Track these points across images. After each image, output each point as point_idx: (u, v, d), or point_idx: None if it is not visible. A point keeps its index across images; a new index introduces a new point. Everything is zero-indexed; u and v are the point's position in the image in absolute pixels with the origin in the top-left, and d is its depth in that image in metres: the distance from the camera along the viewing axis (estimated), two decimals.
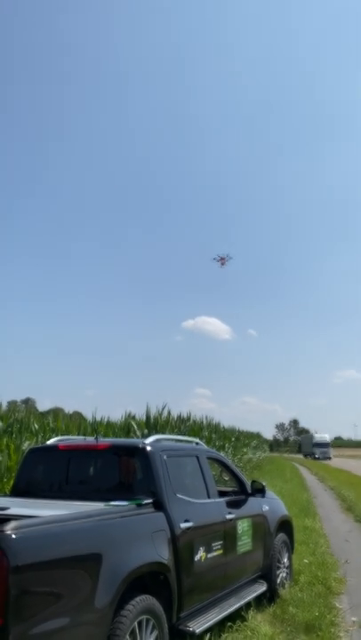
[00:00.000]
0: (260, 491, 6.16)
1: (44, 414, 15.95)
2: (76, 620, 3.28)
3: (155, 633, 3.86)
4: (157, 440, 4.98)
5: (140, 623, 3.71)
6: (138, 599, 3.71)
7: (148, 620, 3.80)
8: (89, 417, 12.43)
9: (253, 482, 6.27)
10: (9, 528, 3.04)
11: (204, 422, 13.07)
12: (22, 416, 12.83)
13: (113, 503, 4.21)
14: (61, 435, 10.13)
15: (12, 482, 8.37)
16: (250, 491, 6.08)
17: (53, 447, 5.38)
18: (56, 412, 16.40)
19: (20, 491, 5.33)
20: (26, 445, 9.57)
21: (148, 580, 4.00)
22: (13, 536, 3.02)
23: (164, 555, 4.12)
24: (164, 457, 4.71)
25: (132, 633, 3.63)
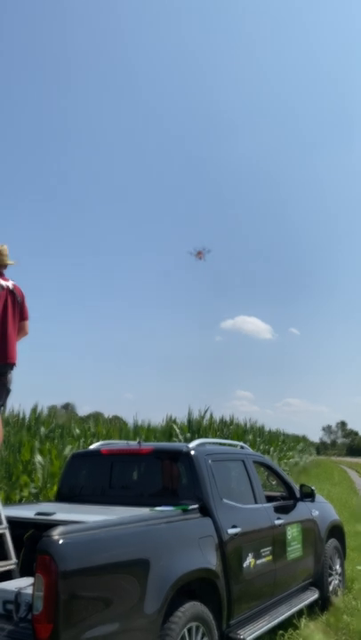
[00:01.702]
0: (309, 495, 5.98)
1: (83, 419, 16.10)
2: (126, 626, 3.22)
3: None
4: (201, 444, 4.89)
5: (189, 630, 3.62)
6: (187, 606, 3.62)
7: (197, 627, 3.71)
8: (128, 421, 12.44)
9: (302, 486, 6.09)
10: (56, 533, 3.01)
11: (247, 425, 12.90)
12: (63, 421, 12.98)
13: (158, 508, 4.13)
14: (102, 439, 10.18)
15: (55, 487, 8.46)
16: (298, 495, 5.91)
17: (96, 452, 5.36)
18: (96, 417, 16.53)
19: (63, 496, 5.33)
20: (68, 450, 9.65)
21: (196, 586, 3.91)
22: (61, 541, 2.99)
23: (212, 561, 4.01)
24: (209, 461, 4.62)
25: (182, 639, 3.54)
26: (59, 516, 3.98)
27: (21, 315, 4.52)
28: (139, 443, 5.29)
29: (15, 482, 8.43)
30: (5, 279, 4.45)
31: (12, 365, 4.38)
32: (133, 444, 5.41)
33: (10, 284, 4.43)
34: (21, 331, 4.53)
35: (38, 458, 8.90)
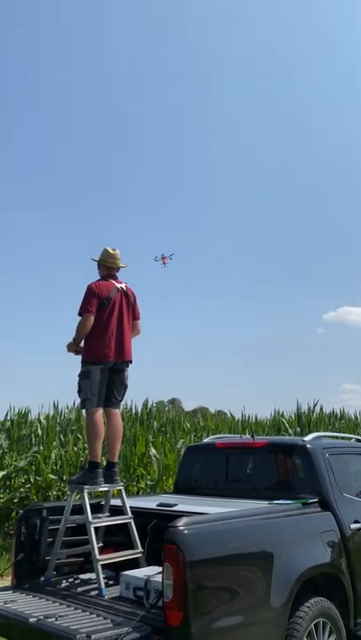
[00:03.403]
0: None
1: (190, 414, 16.42)
2: (253, 619, 3.26)
3: (333, 637, 3.70)
4: (317, 437, 4.80)
5: (316, 626, 3.58)
6: (313, 601, 3.58)
7: (324, 624, 3.65)
8: (231, 416, 12.47)
9: None
10: (181, 524, 3.11)
11: (359, 419, 12.43)
12: (173, 415, 13.32)
13: (277, 502, 4.12)
14: (212, 433, 10.31)
15: (170, 480, 8.71)
16: None
17: (211, 445, 5.44)
18: (202, 412, 16.77)
19: (180, 488, 5.48)
20: (180, 444, 9.89)
21: (319, 582, 3.85)
22: (186, 532, 3.08)
23: (335, 556, 3.93)
24: (327, 455, 4.52)
25: (310, 635, 3.51)
26: (180, 508, 4.10)
27: (134, 314, 4.71)
28: (252, 436, 5.31)
29: (132, 474, 8.80)
30: (119, 281, 4.65)
31: (128, 362, 4.58)
32: (247, 437, 5.43)
33: (123, 285, 4.63)
34: (134, 330, 4.72)
35: (153, 451, 9.22)
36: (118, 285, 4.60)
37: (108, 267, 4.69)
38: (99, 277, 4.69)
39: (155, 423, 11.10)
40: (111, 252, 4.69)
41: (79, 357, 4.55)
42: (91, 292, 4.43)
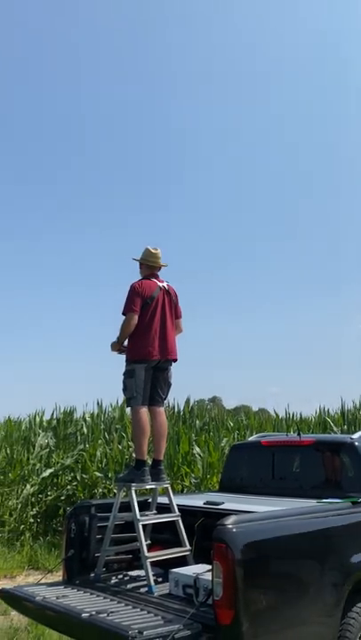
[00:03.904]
0: None
1: (232, 412, 16.34)
2: (304, 619, 3.22)
3: None
4: None
5: None
6: None
7: None
8: (273, 414, 12.33)
9: None
10: (230, 522, 3.09)
11: None
12: (215, 414, 13.28)
13: (326, 500, 4.05)
14: (256, 431, 10.22)
15: (214, 478, 8.69)
16: None
17: (256, 443, 5.41)
18: (245, 410, 16.65)
19: (225, 486, 5.46)
20: (224, 442, 9.85)
21: None
22: (234, 530, 3.07)
23: None
24: None
25: None
26: (227, 506, 4.09)
27: (176, 313, 4.72)
28: (298, 434, 5.24)
29: (176, 472, 8.82)
30: (160, 280, 4.67)
31: (172, 361, 4.59)
32: (293, 435, 5.37)
33: (165, 284, 4.65)
34: (177, 328, 4.73)
35: (196, 449, 9.22)
36: (160, 284, 4.61)
37: (149, 266, 4.72)
38: (140, 277, 4.72)
39: (197, 422, 11.10)
40: (152, 251, 4.72)
41: (122, 356, 4.59)
42: (134, 292, 4.46)
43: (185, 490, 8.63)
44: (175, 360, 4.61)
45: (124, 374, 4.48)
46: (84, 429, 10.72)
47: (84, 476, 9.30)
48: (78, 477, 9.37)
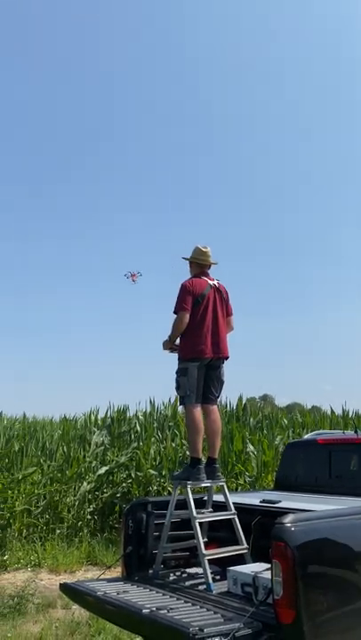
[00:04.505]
0: None
1: (284, 410, 16.13)
2: None
3: None
4: None
5: None
6: None
7: None
8: (332, 411, 12.07)
9: None
10: (288, 521, 3.06)
11: None
12: (268, 412, 13.16)
13: None
14: (310, 429, 10.06)
15: (269, 476, 8.62)
16: None
17: (312, 441, 5.33)
18: (298, 408, 16.40)
19: (281, 484, 5.40)
20: (278, 440, 9.75)
21: None
22: (293, 529, 3.03)
23: None
24: None
25: None
26: (284, 504, 4.04)
27: (227, 311, 4.71)
28: (356, 432, 5.12)
29: (231, 470, 8.80)
30: (211, 278, 4.67)
31: (225, 359, 4.58)
32: (350, 433, 5.25)
33: (215, 282, 4.64)
34: (228, 326, 4.71)
35: (250, 447, 9.17)
36: (211, 282, 4.61)
37: (199, 264, 4.72)
38: (190, 276, 4.73)
39: (250, 420, 11.03)
40: (203, 249, 4.72)
41: (173, 355, 4.61)
42: (185, 290, 4.47)
43: (239, 488, 8.59)
44: (227, 358, 4.60)
45: (177, 373, 4.50)
46: (138, 427, 10.86)
47: (139, 473, 9.42)
48: (133, 475, 9.49)
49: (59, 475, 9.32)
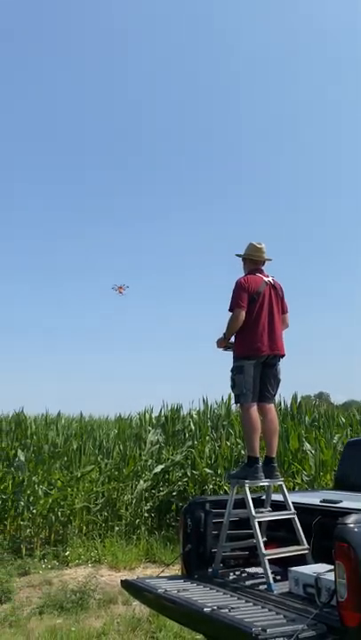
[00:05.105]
0: None
1: (341, 408, 15.76)
2: None
3: None
4: None
5: None
6: None
7: None
8: None
9: None
10: (351, 521, 2.99)
11: None
12: (325, 410, 12.89)
13: None
14: None
15: (328, 475, 8.45)
16: None
17: None
18: (356, 406, 15.99)
19: (341, 484, 5.28)
20: (336, 439, 9.54)
21: None
22: (356, 529, 2.96)
23: None
24: None
25: None
26: (346, 504, 3.95)
27: (282, 308, 4.64)
28: None
29: (287, 469, 8.68)
30: (266, 275, 4.61)
31: (281, 356, 4.52)
32: None
33: (270, 279, 4.59)
34: (284, 323, 4.65)
35: (307, 446, 9.01)
36: (266, 279, 4.56)
37: (254, 261, 4.68)
38: (243, 273, 4.69)
39: (306, 418, 10.84)
40: (257, 245, 4.68)
41: (226, 353, 4.58)
42: (241, 287, 4.44)
43: (296, 487, 8.47)
44: (283, 355, 4.54)
45: (233, 371, 4.47)
46: (192, 426, 10.89)
47: (194, 472, 9.44)
48: (188, 473, 9.52)
49: (116, 473, 9.46)
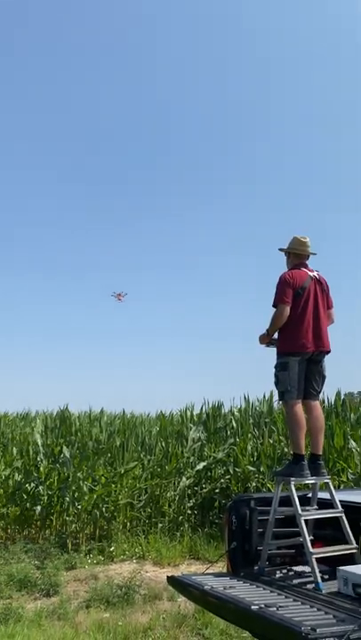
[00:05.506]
0: None
1: None
2: None
3: None
4: None
5: None
6: None
7: None
8: None
9: None
10: None
11: None
12: None
13: None
14: None
15: None
16: None
17: None
18: None
19: None
20: None
21: None
22: None
23: None
24: None
25: None
26: None
27: (328, 303, 4.55)
28: None
29: (332, 467, 8.54)
30: (310, 269, 4.53)
31: (326, 353, 4.44)
32: None
33: (315, 273, 4.51)
34: (329, 318, 4.56)
35: (352, 444, 8.84)
36: (311, 274, 4.48)
37: (298, 255, 4.61)
38: (287, 268, 4.63)
39: (351, 415, 10.63)
40: (302, 239, 4.60)
41: (269, 350, 4.53)
42: (285, 283, 4.37)
43: (341, 485, 8.32)
44: (329, 352, 4.46)
45: (277, 367, 4.42)
46: (233, 424, 10.84)
47: (237, 469, 9.40)
48: (231, 471, 9.49)
49: (158, 469, 9.52)
